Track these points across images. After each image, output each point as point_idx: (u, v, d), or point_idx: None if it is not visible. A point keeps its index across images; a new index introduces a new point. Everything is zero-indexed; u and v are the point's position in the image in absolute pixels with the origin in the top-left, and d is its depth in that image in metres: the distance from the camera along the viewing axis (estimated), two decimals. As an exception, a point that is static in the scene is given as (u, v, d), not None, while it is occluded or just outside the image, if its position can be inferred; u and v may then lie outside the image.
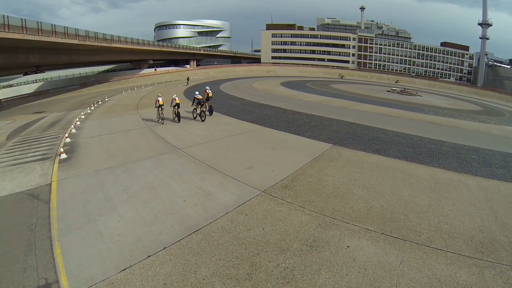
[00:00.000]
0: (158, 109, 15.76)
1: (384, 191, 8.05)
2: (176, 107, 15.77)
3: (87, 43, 37.61)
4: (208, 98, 17.27)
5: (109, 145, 11.98)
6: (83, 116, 18.65)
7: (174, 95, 16.25)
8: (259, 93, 30.43)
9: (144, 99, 26.12)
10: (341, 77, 77.45)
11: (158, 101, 15.49)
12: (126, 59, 53.78)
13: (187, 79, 45.99)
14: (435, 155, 11.75)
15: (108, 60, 50.66)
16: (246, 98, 25.95)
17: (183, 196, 7.35)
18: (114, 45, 42.81)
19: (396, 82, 76.11)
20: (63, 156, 10.66)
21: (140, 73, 57.30)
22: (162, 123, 15.59)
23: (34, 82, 51.40)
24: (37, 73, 47.98)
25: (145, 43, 51.75)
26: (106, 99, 27.15)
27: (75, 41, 35.50)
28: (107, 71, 63.07)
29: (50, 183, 8.58)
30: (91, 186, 8.10)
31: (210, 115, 17.48)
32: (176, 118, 16.04)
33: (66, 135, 13.51)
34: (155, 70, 60.07)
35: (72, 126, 15.53)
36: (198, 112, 16.54)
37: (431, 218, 6.73)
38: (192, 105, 17.13)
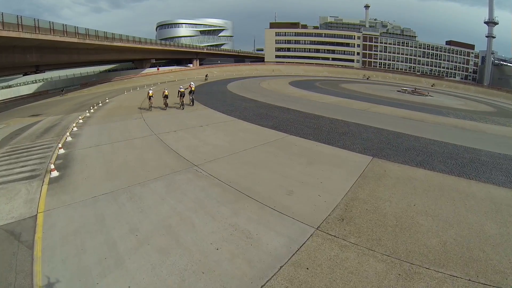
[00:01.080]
0: (165, 99, 19.68)
1: (449, 218, 6.60)
2: (181, 97, 19.71)
3: (87, 41, 35.58)
4: (191, 91, 20.96)
5: (110, 159, 9.99)
6: (81, 121, 16.66)
7: (181, 86, 20.59)
8: (270, 94, 28.49)
9: (147, 100, 24.08)
10: (367, 78, 74.99)
11: (164, 92, 19.71)
12: (128, 58, 51.77)
13: (206, 76, 49.32)
14: (478, 167, 10.15)
15: (109, 60, 48.67)
16: (259, 100, 23.93)
17: (214, 240, 5.36)
18: (115, 43, 40.79)
19: (432, 86, 71.24)
20: (55, 174, 8.68)
21: (142, 72, 55.30)
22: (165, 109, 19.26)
23: (34, 83, 49.46)
24: (37, 73, 46.04)
25: (147, 41, 49.72)
26: (107, 100, 25.13)
27: (75, 40, 33.48)
28: (109, 70, 61.10)
29: (36, 215, 6.61)
30: (88, 222, 6.11)
31: (192, 105, 20.78)
32: (182, 107, 19.73)
33: (60, 145, 11.51)
34: (158, 69, 58.07)
35: (68, 133, 13.55)
36: (179, 102, 20.15)
37: (509, 252, 5.43)
38: (178, 97, 20.26)
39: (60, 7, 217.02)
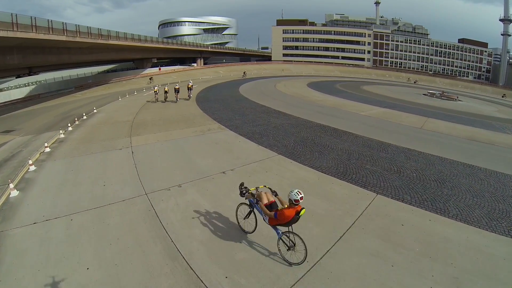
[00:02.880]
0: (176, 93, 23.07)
1: None
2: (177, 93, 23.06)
3: (78, 39, 30.28)
4: (189, 88, 24.93)
5: (59, 264, 4.85)
6: (47, 149, 11.49)
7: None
8: (295, 102, 23.13)
9: (144, 111, 18.79)
10: (414, 82, 67.96)
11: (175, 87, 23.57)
12: (127, 58, 46.42)
13: (244, 73, 49.08)
14: None
15: (106, 60, 43.33)
16: (287, 112, 18.34)
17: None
18: (111, 42, 35.48)
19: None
20: None
21: (143, 73, 49.98)
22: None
23: (26, 86, 44.37)
24: (30, 75, 41.21)
25: (148, 39, 44.27)
26: (95, 111, 19.87)
27: (62, 37, 28.20)
28: (108, 71, 55.81)
29: None
30: None
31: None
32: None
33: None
34: (160, 69, 52.64)
35: (17, 181, 8.47)
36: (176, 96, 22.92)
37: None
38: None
39: (63, 8, 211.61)
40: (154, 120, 16.12)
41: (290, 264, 4.83)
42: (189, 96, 24.46)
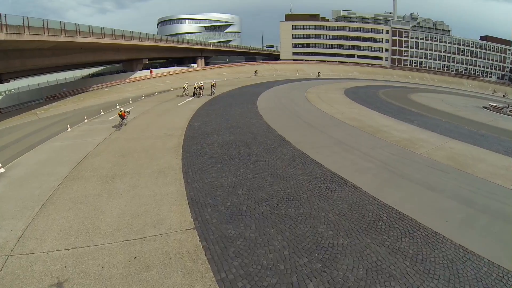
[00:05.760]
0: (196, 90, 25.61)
1: None
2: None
3: (26, 37, 20.71)
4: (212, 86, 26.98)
5: None
6: None
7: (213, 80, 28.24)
8: (364, 143, 12.94)
9: (84, 175, 9.44)
10: (496, 92, 56.73)
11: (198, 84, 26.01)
12: (109, 59, 36.54)
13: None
14: None
15: (78, 63, 33.43)
16: (385, 200, 8.20)
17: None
18: (80, 40, 25.75)
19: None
20: None
21: (132, 77, 40.19)
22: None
23: (-9, 96, 35.09)
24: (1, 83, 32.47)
25: (135, 36, 34.28)
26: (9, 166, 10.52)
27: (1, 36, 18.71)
28: (93, 75, 46.13)
29: None
30: None
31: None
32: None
33: None
34: (151, 72, 42.74)
35: None
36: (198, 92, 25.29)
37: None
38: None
39: (65, 9, 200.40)
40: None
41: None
42: (212, 93, 26.46)
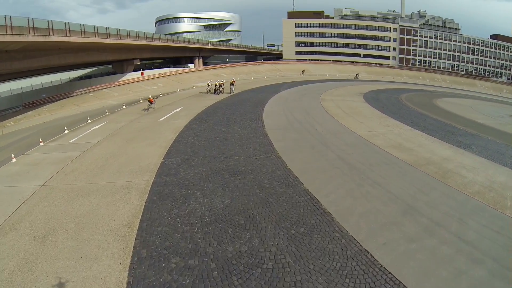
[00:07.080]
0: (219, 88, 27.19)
1: None
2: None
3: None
4: (231, 83, 27.65)
5: None
6: None
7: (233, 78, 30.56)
8: (425, 185, 8.90)
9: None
10: None
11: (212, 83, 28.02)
12: (93, 60, 32.32)
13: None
14: None
15: (58, 65, 29.17)
16: None
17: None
18: (54, 39, 21.61)
19: None
20: None
21: (121, 79, 36.03)
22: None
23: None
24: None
25: (122, 34, 30.06)
26: None
27: None
28: (81, 77, 42.00)
29: None
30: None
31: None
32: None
33: None
34: (142, 74, 38.49)
35: None
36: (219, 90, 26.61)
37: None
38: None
39: (65, 10, 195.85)
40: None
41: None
42: (231, 91, 27.09)
